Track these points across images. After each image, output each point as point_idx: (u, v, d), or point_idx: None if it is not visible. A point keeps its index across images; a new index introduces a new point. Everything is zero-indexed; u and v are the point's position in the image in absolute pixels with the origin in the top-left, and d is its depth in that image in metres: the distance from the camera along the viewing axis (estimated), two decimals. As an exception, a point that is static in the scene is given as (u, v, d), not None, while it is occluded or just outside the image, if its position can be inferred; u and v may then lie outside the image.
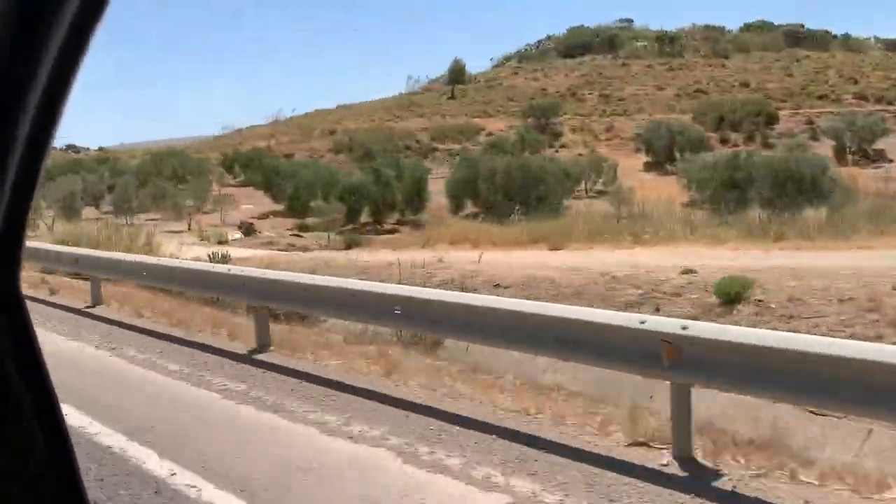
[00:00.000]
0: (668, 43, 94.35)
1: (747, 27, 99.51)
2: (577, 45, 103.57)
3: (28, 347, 0.82)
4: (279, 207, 42.14)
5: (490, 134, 65.16)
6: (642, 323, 4.42)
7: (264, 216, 41.95)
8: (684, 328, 4.24)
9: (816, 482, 3.95)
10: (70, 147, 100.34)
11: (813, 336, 5.16)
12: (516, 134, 58.57)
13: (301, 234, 30.85)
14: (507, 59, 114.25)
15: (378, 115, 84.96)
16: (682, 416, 4.25)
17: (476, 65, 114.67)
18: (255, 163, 59.75)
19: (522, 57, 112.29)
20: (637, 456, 4.40)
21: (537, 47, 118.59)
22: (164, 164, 51.56)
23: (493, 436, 4.83)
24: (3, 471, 0.79)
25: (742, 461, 4.21)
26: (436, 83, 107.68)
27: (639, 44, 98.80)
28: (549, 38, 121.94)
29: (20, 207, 0.75)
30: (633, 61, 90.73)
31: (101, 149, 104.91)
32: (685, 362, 4.09)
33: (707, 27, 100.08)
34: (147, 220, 42.26)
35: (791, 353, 3.77)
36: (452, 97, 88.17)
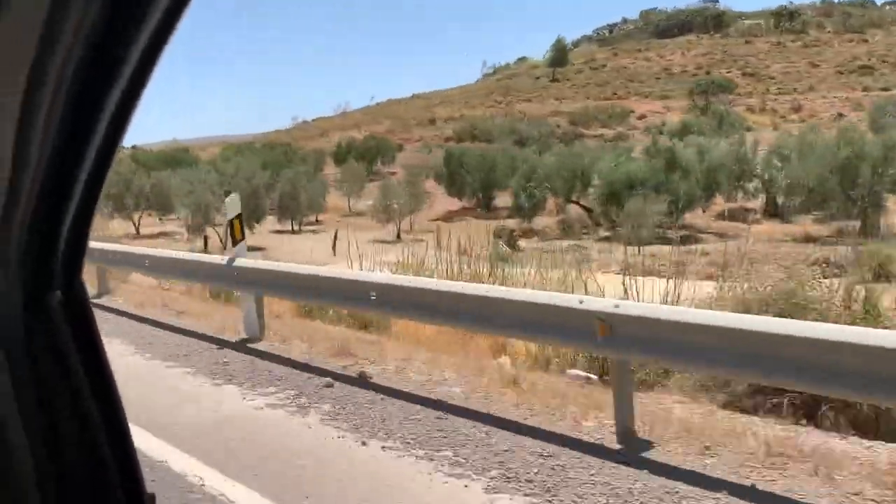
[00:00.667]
0: (787, 19, 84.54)
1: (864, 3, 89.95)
2: (673, 25, 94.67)
3: (91, 340, 0.85)
4: (462, 204, 33.42)
5: (643, 117, 55.67)
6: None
7: (448, 216, 32.70)
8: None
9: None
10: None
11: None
12: (691, 115, 48.92)
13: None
14: (576, 43, 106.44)
15: (473, 102, 76.01)
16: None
17: (533, 51, 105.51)
18: (372, 153, 50.91)
19: (600, 41, 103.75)
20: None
21: (610, 31, 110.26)
22: (273, 157, 42.12)
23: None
24: (67, 460, 0.82)
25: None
26: (508, 69, 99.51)
27: (747, 21, 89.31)
28: (624, 20, 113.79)
29: (87, 213, 0.80)
30: (754, 39, 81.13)
31: (134, 147, 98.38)
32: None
33: (825, 2, 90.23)
34: (308, 224, 34.17)
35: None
36: (554, 80, 78.86)
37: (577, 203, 28.26)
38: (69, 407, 0.83)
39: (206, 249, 20.90)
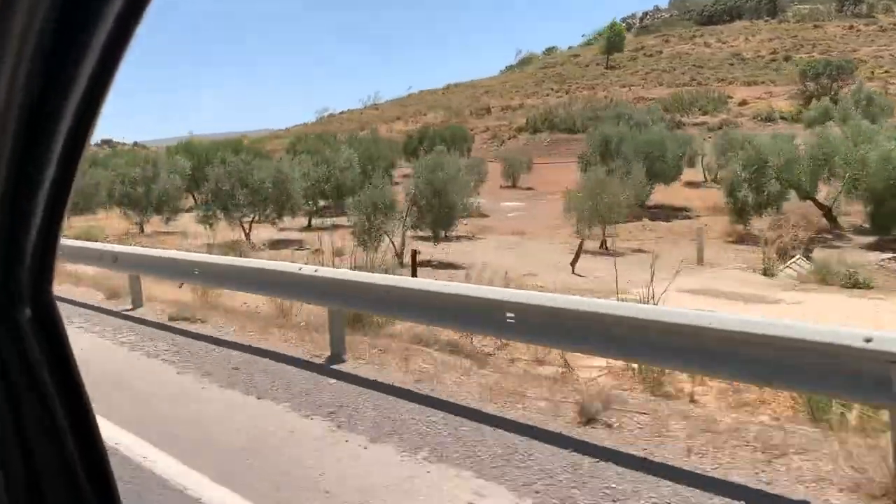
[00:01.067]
0: (852, 3, 79.23)
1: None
2: (721, 11, 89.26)
3: (62, 353, 0.83)
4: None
5: (744, 103, 49.80)
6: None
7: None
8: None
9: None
10: (106, 142, 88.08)
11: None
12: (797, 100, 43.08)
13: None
14: (601, 32, 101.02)
15: (525, 90, 69.95)
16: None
17: (560, 41, 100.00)
18: (447, 143, 44.68)
19: (639, 28, 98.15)
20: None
21: (642, 19, 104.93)
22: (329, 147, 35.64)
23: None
24: (38, 470, 0.81)
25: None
26: (548, 56, 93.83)
27: (802, 6, 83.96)
28: (656, 8, 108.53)
29: (55, 219, 0.78)
30: (822, 24, 75.66)
31: (136, 144, 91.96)
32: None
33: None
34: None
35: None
36: (610, 67, 72.92)
37: (814, 200, 22.15)
38: (40, 421, 0.82)
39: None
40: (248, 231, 22.60)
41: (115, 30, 0.65)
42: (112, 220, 27.42)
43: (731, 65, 65.36)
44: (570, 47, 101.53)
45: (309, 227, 25.44)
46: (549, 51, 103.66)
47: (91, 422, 0.86)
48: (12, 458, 0.79)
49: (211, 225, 21.88)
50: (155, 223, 26.31)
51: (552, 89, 68.09)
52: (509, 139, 52.35)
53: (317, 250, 13.50)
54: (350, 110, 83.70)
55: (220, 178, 22.27)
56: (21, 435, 0.80)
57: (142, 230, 25.70)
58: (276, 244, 21.19)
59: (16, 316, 0.79)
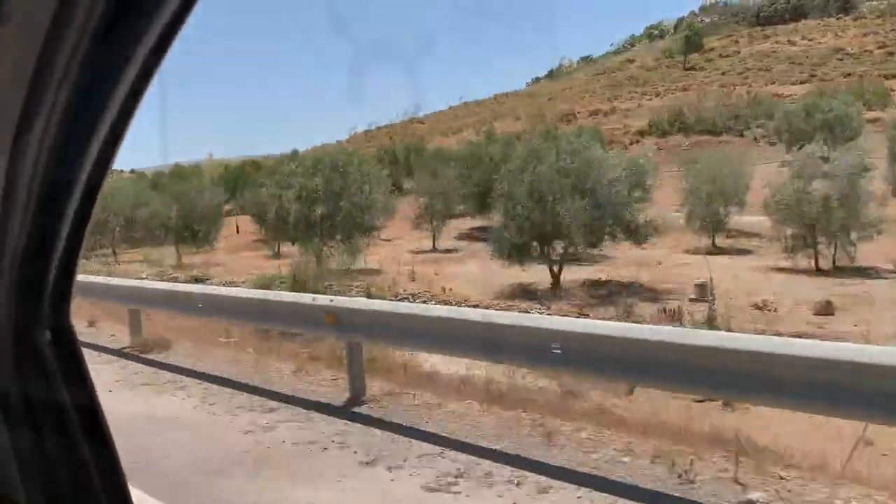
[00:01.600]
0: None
1: None
2: (781, 10, 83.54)
3: (79, 374, 0.85)
4: None
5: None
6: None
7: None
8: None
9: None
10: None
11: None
12: None
13: None
14: (636, 40, 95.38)
15: (596, 96, 62.82)
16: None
17: (594, 48, 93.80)
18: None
19: (686, 32, 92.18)
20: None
21: (678, 23, 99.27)
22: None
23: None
24: (58, 491, 0.83)
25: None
26: (604, 61, 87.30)
27: (876, 2, 78.33)
28: (694, 13, 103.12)
29: (75, 248, 0.80)
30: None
31: (133, 171, 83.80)
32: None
33: None
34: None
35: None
36: (690, 68, 66.10)
37: None
38: (61, 443, 0.84)
39: None
40: (558, 272, 14.38)
41: (140, 69, 0.67)
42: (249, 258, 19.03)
43: (841, 60, 58.78)
44: (607, 54, 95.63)
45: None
46: (588, 59, 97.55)
47: (108, 441, 0.87)
48: (34, 484, 0.81)
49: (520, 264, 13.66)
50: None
51: (637, 92, 60.93)
52: (631, 144, 44.80)
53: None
54: (391, 124, 75.54)
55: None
56: (41, 454, 0.82)
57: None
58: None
59: (36, 339, 0.82)
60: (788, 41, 69.08)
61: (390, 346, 6.31)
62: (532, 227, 15.54)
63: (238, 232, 30.01)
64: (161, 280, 13.42)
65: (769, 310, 12.74)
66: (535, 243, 15.99)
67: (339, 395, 5.70)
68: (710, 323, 10.61)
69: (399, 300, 11.43)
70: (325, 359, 6.69)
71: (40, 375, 0.82)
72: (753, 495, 3.53)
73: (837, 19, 76.79)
